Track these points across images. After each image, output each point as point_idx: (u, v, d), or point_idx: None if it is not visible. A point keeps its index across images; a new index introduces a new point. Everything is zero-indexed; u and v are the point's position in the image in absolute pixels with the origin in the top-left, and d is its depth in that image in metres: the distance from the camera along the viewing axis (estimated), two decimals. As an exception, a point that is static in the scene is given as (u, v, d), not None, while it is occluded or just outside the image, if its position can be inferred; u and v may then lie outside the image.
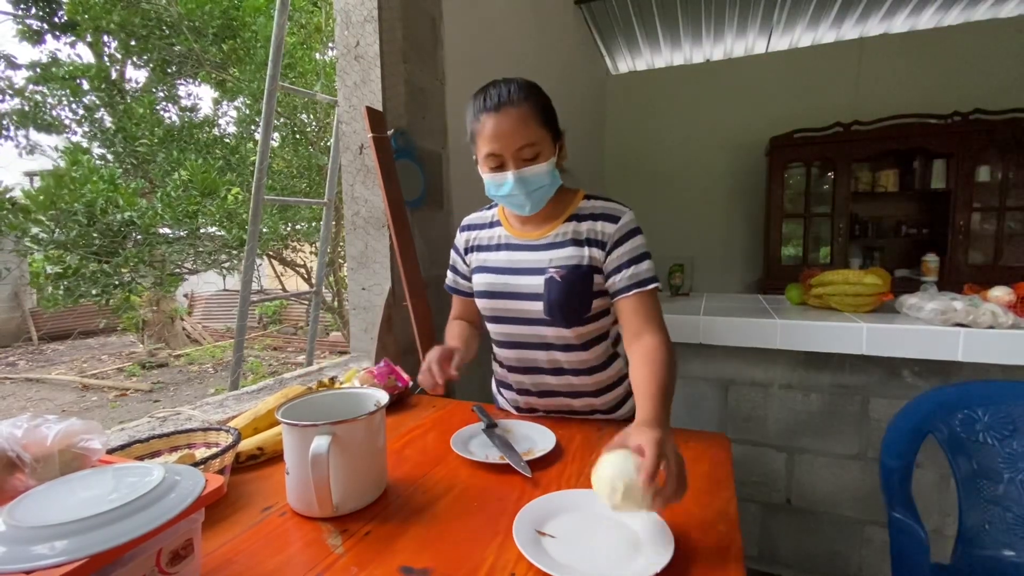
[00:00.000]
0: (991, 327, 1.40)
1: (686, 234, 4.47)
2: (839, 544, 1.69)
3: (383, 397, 0.78)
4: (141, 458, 0.80)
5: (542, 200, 0.96)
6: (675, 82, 4.49)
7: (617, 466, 0.61)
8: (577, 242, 0.97)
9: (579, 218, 0.99)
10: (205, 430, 0.84)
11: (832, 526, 1.69)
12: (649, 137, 4.58)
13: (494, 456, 0.86)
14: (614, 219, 0.97)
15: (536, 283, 0.98)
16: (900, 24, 3.74)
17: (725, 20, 3.69)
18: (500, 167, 0.92)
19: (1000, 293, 1.50)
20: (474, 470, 0.84)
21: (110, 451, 0.78)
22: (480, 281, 1.06)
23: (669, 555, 0.58)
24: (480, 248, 1.08)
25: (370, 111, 1.38)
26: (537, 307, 0.99)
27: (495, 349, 1.13)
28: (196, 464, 0.70)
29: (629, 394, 1.10)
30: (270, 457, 0.88)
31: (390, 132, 1.41)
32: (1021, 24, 3.53)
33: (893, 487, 1.09)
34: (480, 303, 1.07)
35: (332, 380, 1.17)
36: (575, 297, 0.97)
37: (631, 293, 0.94)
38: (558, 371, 1.05)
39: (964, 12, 3.56)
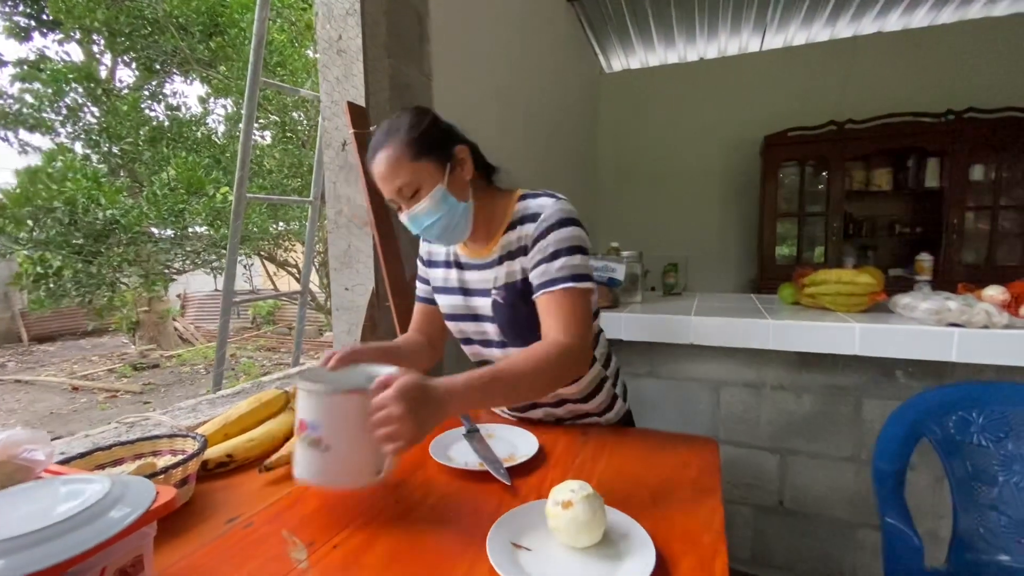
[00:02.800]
0: (985, 327, 1.38)
1: (680, 233, 4.44)
2: (832, 546, 1.67)
3: (394, 369, 0.75)
4: (103, 466, 0.77)
5: (453, 228, 0.88)
6: (669, 80, 4.46)
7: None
8: (511, 255, 0.91)
9: (512, 226, 0.91)
10: (171, 436, 0.81)
11: (825, 528, 1.67)
12: (643, 136, 4.55)
13: (473, 463, 0.83)
14: (534, 218, 0.88)
15: (488, 304, 0.94)
16: (894, 22, 3.73)
17: (719, 18, 3.66)
18: (400, 209, 0.88)
19: (994, 292, 1.48)
20: (452, 478, 0.81)
21: (70, 459, 0.75)
22: (443, 303, 1.02)
23: (650, 569, 0.55)
24: (434, 264, 1.04)
25: (351, 106, 1.34)
26: (495, 328, 0.95)
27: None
28: (156, 473, 0.67)
29: (616, 396, 1.08)
30: (240, 464, 0.85)
31: (372, 128, 1.37)
32: (1015, 22, 3.52)
33: (886, 492, 1.07)
34: (448, 324, 1.04)
35: (311, 383, 1.13)
36: (522, 317, 0.91)
37: (539, 294, 0.86)
38: None
39: (958, 10, 3.55)
